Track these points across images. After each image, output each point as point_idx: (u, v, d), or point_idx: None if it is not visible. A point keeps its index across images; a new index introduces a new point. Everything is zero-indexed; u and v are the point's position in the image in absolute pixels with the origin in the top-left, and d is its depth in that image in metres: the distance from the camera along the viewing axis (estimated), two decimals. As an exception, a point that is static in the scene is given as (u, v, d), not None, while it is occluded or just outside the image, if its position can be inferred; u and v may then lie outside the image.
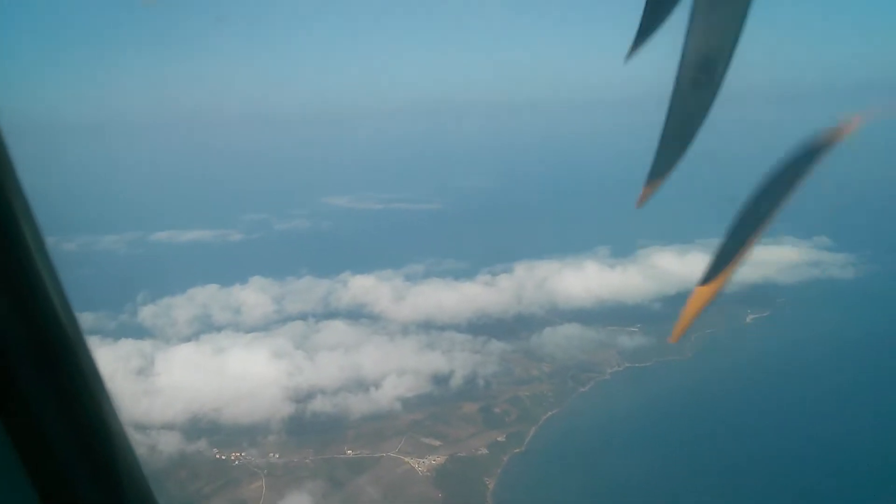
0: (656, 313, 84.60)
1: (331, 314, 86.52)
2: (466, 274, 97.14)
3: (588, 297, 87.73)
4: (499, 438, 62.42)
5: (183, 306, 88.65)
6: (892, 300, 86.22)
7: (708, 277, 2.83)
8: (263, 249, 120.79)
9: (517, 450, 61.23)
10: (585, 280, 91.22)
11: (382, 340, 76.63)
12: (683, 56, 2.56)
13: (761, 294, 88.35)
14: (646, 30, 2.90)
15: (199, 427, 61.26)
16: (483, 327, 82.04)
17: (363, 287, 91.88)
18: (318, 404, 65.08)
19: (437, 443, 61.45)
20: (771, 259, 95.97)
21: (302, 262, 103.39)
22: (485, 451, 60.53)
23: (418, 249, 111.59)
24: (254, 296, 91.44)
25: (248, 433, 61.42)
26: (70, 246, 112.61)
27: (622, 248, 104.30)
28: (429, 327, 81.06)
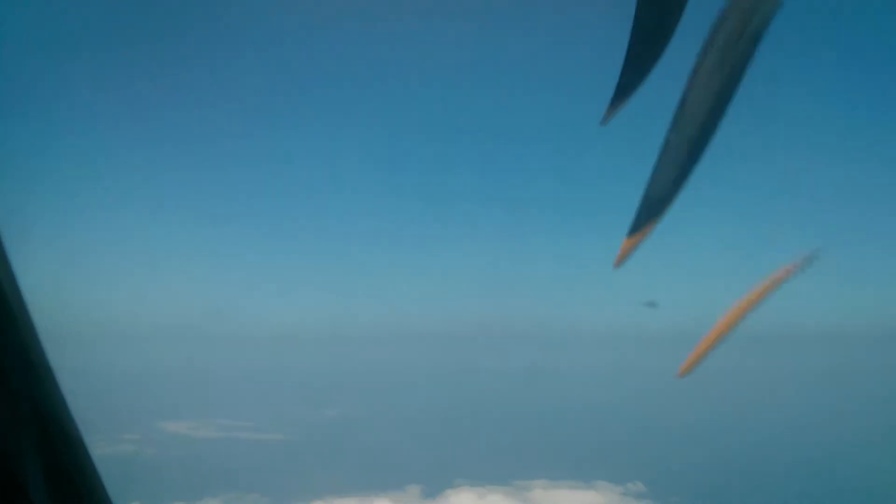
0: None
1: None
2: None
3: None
4: None
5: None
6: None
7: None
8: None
9: None
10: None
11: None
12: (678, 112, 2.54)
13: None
14: (623, 91, 2.82)
15: None
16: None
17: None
18: None
19: None
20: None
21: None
22: None
23: (229, 482, 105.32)
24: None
25: None
26: None
27: (436, 487, 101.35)
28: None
